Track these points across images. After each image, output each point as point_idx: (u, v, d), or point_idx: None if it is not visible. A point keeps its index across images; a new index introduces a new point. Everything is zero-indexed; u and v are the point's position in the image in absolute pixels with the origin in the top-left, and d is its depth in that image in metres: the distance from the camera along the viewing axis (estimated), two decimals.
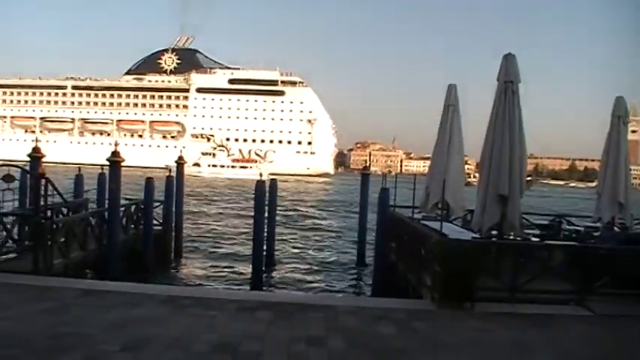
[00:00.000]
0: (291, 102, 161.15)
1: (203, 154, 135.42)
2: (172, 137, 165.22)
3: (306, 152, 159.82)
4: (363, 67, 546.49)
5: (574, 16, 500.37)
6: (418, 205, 17.22)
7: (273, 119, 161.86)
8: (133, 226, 21.59)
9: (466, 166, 17.76)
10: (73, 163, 66.89)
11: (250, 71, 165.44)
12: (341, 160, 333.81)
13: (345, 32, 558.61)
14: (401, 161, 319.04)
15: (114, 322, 8.98)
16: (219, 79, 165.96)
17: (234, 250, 27.40)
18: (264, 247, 21.49)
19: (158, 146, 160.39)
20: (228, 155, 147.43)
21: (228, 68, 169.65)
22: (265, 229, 21.94)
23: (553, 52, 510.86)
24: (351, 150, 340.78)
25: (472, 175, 74.78)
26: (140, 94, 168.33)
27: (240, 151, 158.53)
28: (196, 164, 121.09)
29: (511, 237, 13.54)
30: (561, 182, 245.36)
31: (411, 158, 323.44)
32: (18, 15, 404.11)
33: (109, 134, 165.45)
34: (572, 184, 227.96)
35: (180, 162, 26.62)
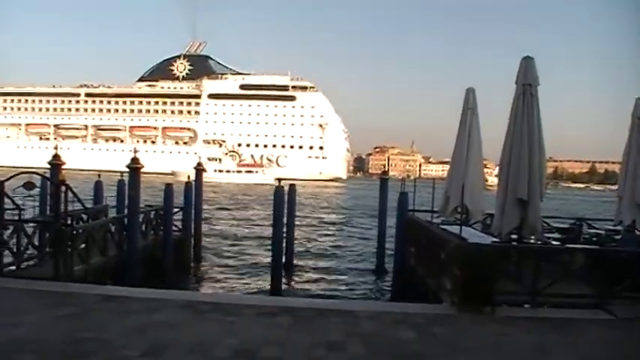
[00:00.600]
0: (302, 107, 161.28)
1: (209, 159, 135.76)
2: (184, 143, 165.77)
3: (317, 157, 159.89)
4: (379, 70, 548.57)
5: (594, 16, 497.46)
6: (437, 210, 17.12)
7: (284, 124, 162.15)
8: (152, 232, 21.59)
9: (485, 170, 17.61)
10: (86, 170, 67.25)
11: (261, 76, 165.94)
12: (359, 164, 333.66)
13: (359, 36, 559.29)
14: (420, 165, 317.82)
15: (134, 327, 9.01)
16: (230, 84, 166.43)
17: (253, 256, 27.39)
18: (283, 253, 21.45)
19: (170, 152, 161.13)
20: (240, 161, 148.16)
21: (240, 74, 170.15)
22: (284, 234, 21.92)
23: (572, 53, 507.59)
24: (369, 155, 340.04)
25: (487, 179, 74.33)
26: (152, 100, 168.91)
27: (252, 156, 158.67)
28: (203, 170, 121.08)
29: (531, 241, 13.45)
30: (581, 185, 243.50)
31: (429, 162, 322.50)
32: (32, 25, 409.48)
33: (122, 141, 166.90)
34: (593, 187, 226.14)
35: (198, 168, 26.77)
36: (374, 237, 26.01)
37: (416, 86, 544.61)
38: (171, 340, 8.36)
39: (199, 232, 25.52)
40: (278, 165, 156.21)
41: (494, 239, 13.46)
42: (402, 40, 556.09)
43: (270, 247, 20.80)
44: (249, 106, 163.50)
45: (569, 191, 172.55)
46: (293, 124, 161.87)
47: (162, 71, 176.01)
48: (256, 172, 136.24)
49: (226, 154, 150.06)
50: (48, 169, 17.06)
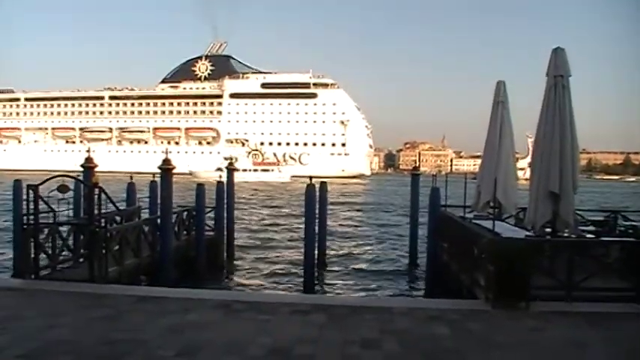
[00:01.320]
0: (324, 104, 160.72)
1: (225, 159, 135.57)
2: (208, 143, 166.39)
3: (339, 154, 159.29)
4: (408, 67, 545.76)
5: (627, 4, 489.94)
6: (469, 205, 17.07)
7: (306, 122, 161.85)
8: (185, 232, 21.79)
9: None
10: (111, 172, 68.22)
11: (282, 75, 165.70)
12: (390, 161, 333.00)
13: (384, 33, 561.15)
14: (451, 160, 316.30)
15: (169, 327, 9.08)
16: (251, 83, 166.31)
17: (284, 254, 27.48)
18: (316, 250, 21.38)
19: (194, 152, 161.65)
20: (263, 160, 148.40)
21: (261, 73, 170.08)
22: (316, 232, 21.87)
23: (605, 42, 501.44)
24: (400, 151, 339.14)
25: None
26: (175, 101, 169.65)
27: (274, 154, 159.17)
28: (219, 169, 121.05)
29: (565, 234, 13.30)
30: (615, 177, 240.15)
31: (461, 157, 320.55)
32: (56, 30, 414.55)
33: (145, 142, 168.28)
34: (628, 179, 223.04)
35: (230, 168, 26.95)
36: (405, 233, 25.95)
37: (446, 82, 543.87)
38: (205, 340, 8.40)
39: (232, 232, 25.59)
40: (300, 162, 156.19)
41: (528, 233, 13.34)
42: (430, 36, 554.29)
43: (302, 245, 20.79)
44: (271, 104, 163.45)
45: (603, 183, 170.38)
46: (315, 122, 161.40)
47: (184, 72, 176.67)
48: (272, 170, 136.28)
49: (249, 153, 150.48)
50: (79, 171, 17.25)
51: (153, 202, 22.69)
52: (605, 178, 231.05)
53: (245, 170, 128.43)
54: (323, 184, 24.51)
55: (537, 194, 12.31)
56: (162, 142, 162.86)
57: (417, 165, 25.52)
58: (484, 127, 14.85)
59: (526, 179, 14.76)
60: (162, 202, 18.89)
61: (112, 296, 11.20)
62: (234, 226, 26.49)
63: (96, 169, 17.83)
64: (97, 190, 13.43)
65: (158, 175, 19.35)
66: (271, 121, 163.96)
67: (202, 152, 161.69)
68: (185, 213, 21.99)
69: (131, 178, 23.96)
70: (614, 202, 68.69)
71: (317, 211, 21.71)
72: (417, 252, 24.35)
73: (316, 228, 21.68)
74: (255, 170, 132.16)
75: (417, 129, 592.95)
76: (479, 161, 16.93)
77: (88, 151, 19.07)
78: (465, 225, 16.33)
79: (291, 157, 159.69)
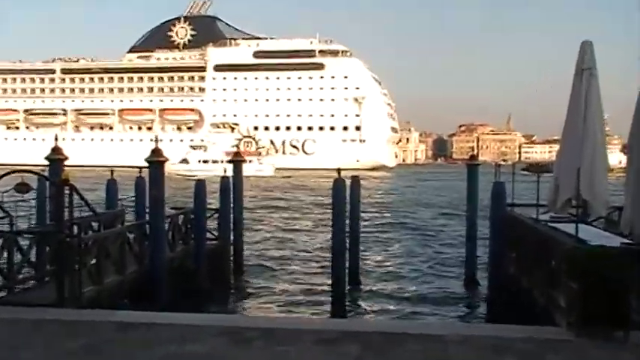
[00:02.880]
0: (333, 77, 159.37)
1: (192, 147, 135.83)
2: (188, 128, 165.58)
3: (353, 140, 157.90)
4: (455, 23, 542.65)
5: None
6: (544, 203, 16.75)
7: (310, 100, 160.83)
8: (181, 241, 21.81)
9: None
10: (70, 166, 68.55)
11: (281, 41, 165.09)
12: (440, 148, 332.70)
13: None
14: (519, 147, 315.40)
15: None
16: (242, 52, 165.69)
17: (307, 268, 27.64)
18: (346, 263, 21.42)
19: (171, 140, 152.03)
20: (257, 148, 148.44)
21: (254, 38, 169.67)
22: (347, 241, 21.80)
23: None
24: (452, 135, 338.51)
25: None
26: (146, 76, 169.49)
27: (271, 142, 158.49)
28: (184, 160, 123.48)
29: None
30: None
31: (532, 142, 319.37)
32: None
33: (110, 128, 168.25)
34: None
35: (237, 159, 26.85)
36: (459, 240, 25.82)
37: (511, 44, 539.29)
38: None
39: (240, 240, 25.73)
40: (304, 151, 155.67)
41: (625, 240, 13.00)
42: None
43: (328, 257, 20.70)
44: (267, 78, 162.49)
45: None
46: (322, 100, 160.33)
47: (158, 38, 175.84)
48: (250, 161, 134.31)
49: (240, 140, 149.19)
50: (44, 165, 17.15)
51: (140, 203, 22.64)
52: None
53: (217, 162, 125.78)
54: (355, 180, 24.34)
55: (637, 188, 11.95)
56: (131, 128, 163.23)
57: (475, 153, 25.20)
58: (563, 102, 14.49)
59: (622, 169, 14.40)
60: (151, 204, 18.89)
61: (88, 324, 11.04)
62: (244, 232, 26.49)
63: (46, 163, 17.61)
64: (67, 189, 13.24)
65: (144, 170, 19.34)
66: (267, 100, 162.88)
67: (182, 140, 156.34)
68: (181, 217, 21.98)
69: (112, 173, 23.90)
70: None
71: (347, 214, 21.63)
72: (475, 264, 24.11)
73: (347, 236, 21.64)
74: (230, 162, 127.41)
75: (475, 107, 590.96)
76: (556, 147, 16.64)
77: (56, 139, 18.97)
78: (538, 229, 16.17)
79: (293, 145, 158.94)
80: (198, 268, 21.63)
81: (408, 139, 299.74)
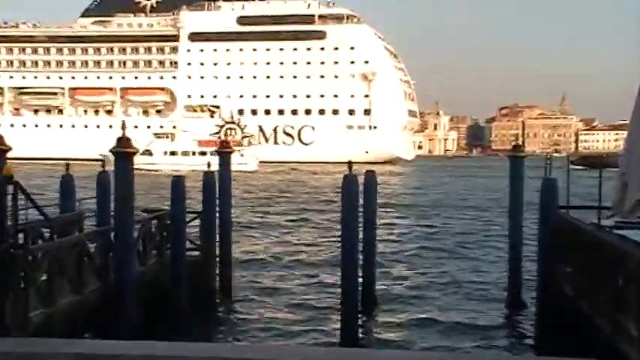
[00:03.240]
0: (336, 48, 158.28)
1: (157, 135, 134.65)
2: (157, 112, 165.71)
3: (361, 127, 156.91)
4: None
5: None
6: (608, 205, 16.57)
7: (308, 77, 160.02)
8: (155, 252, 21.66)
9: None
10: (13, 159, 68.55)
11: (271, 3, 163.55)
12: (476, 136, 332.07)
13: None
14: (576, 134, 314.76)
15: None
16: (224, 18, 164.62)
17: (310, 285, 27.57)
18: (359, 279, 21.24)
19: (136, 127, 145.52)
20: (243, 136, 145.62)
21: (238, 0, 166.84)
22: (359, 249, 21.41)
23: None
24: (491, 120, 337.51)
25: None
26: (104, 46, 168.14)
27: (260, 129, 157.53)
28: (147, 152, 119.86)
29: None
30: None
31: (592, 128, 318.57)
32: None
33: (60, 111, 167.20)
34: None
35: (224, 150, 26.51)
36: (499, 252, 25.61)
37: (565, 9, 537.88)
38: None
39: (228, 251, 25.56)
40: (300, 141, 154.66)
41: None
42: None
43: (337, 271, 20.53)
44: (254, 50, 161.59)
45: None
46: (322, 77, 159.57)
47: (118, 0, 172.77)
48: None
49: (221, 127, 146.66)
50: None
51: (103, 205, 22.50)
52: None
53: (187, 154, 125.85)
54: (370, 176, 24.01)
55: None
56: (85, 112, 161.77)
57: (520, 142, 24.86)
58: (633, 79, 14.25)
59: None
60: (117, 206, 18.64)
61: (37, 356, 10.82)
62: (232, 241, 26.46)
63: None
64: (10, 188, 12.98)
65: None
66: (254, 78, 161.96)
67: (149, 126, 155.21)
68: (154, 222, 21.84)
69: (67, 167, 23.68)
70: None
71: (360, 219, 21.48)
72: (520, 281, 23.89)
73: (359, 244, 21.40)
74: (203, 154, 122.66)
75: (520, 85, 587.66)
76: (623, 134, 16.40)
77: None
78: (601, 238, 15.92)
79: (286, 133, 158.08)
80: (175, 285, 21.43)
81: (435, 126, 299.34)
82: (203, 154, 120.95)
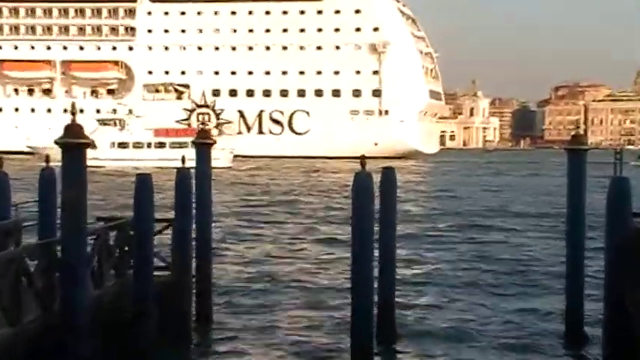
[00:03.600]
0: (338, 11, 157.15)
1: (101, 122, 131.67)
2: (109, 92, 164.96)
3: (369, 112, 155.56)
4: None
5: None
6: None
7: (302, 49, 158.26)
8: (114, 271, 21.18)
9: None
10: None
11: None
12: (524, 124, 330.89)
13: None
14: None
15: None
16: None
17: (311, 311, 27.36)
18: (375, 299, 20.93)
19: (82, 111, 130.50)
20: (218, 124, 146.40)
21: None
22: (375, 264, 21.11)
23: None
24: (544, 103, 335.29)
25: None
26: (40, 6, 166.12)
27: (240, 114, 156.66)
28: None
29: None
30: None
31: None
32: None
33: None
34: None
35: (203, 141, 25.96)
36: (555, 271, 25.11)
37: None
38: None
39: (207, 270, 25.22)
40: (292, 129, 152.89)
41: None
42: None
43: (346, 290, 20.95)
44: (233, 14, 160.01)
45: None
46: (319, 48, 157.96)
47: None
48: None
49: (191, 111, 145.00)
50: None
51: (46, 210, 22.29)
52: None
53: (140, 146, 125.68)
54: (388, 174, 23.31)
55: None
56: (16, 91, 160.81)
57: (582, 131, 24.40)
58: None
59: None
60: (65, 212, 17.90)
61: None
62: (212, 257, 26.29)
63: None
64: None
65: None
66: (234, 49, 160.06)
67: (98, 110, 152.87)
68: (113, 233, 21.30)
69: (0, 163, 23.23)
70: None
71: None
72: (581, 308, 23.38)
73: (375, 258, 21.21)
74: (160, 145, 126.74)
75: (580, 59, 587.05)
76: None
77: None
78: None
79: (274, 120, 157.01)
80: (140, 313, 20.87)
81: (472, 111, 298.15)
82: (161, 145, 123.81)
